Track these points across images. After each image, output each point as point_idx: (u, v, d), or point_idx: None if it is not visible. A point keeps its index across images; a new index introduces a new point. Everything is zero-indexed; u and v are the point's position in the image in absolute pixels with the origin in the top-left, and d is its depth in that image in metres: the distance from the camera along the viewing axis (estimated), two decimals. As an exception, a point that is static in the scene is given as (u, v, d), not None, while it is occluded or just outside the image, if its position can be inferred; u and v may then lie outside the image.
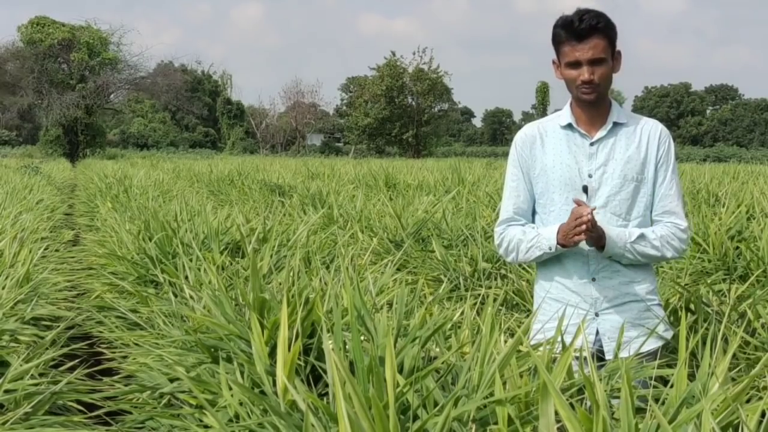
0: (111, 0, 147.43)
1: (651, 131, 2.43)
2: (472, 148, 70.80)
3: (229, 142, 63.88)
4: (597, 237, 2.31)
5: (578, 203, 2.29)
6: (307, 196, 8.74)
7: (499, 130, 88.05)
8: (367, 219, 6.39)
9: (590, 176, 2.39)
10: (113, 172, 14.55)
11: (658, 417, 1.45)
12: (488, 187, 9.60)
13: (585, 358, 2.03)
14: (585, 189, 2.39)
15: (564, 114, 2.46)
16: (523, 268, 4.25)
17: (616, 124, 2.42)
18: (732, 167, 15.63)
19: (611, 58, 2.34)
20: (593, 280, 2.41)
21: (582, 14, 2.30)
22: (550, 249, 2.38)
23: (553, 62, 2.43)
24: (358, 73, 69.29)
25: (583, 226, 2.24)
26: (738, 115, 73.78)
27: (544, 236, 2.40)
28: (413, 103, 54.31)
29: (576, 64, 2.32)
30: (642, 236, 2.36)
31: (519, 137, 2.52)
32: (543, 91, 56.59)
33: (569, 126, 2.43)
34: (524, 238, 2.45)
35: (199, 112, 60.29)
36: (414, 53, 63.90)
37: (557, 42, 2.37)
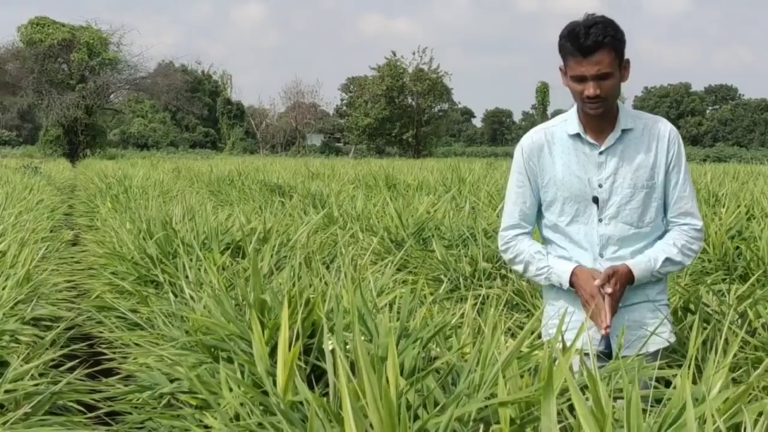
0: (111, 0, 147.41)
1: (660, 134, 2.38)
2: (472, 148, 70.77)
3: (229, 142, 63.85)
4: (622, 288, 2.32)
5: (596, 277, 2.31)
6: (307, 196, 8.74)
7: (499, 130, 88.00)
8: (368, 219, 6.39)
9: (600, 186, 2.36)
10: (113, 173, 14.53)
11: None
12: (489, 187, 9.60)
13: (589, 358, 2.03)
14: (595, 200, 2.36)
15: (571, 121, 2.40)
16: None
17: (624, 131, 2.37)
18: (732, 167, 15.62)
19: (619, 69, 2.29)
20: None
21: (589, 27, 2.22)
22: (561, 286, 2.40)
23: (560, 69, 2.37)
24: (359, 73, 69.20)
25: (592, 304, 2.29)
26: (738, 115, 73.72)
27: (555, 272, 2.40)
28: (413, 103, 54.28)
29: (581, 79, 2.27)
30: (667, 260, 2.36)
31: (525, 144, 2.46)
32: (543, 91, 56.60)
33: (577, 135, 2.39)
34: (533, 263, 2.45)
35: (199, 112, 60.26)
36: (414, 53, 63.89)
37: (563, 53, 2.31)
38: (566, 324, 2.21)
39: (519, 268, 2.50)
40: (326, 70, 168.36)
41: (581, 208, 2.37)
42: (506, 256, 2.53)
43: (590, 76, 2.24)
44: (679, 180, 2.39)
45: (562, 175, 2.39)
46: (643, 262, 2.34)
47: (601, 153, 2.37)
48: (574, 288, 2.36)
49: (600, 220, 2.37)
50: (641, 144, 2.38)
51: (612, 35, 2.24)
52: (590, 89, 2.25)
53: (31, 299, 3.60)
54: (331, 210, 6.83)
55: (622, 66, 2.31)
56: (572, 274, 2.35)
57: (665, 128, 2.41)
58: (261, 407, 2.12)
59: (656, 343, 2.38)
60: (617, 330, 2.38)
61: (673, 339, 2.48)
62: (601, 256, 2.38)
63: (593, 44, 2.22)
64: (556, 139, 2.43)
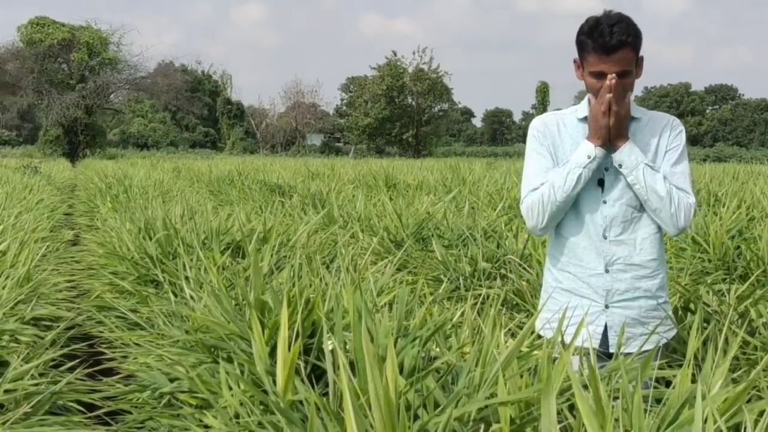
0: (111, 0, 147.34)
1: (664, 124, 2.44)
2: (472, 148, 70.77)
3: (229, 142, 63.84)
4: (621, 121, 2.29)
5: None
6: (307, 196, 8.75)
7: (499, 130, 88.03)
8: (368, 219, 6.39)
9: (606, 170, 2.40)
10: (113, 172, 14.54)
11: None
12: (489, 187, 9.60)
13: (590, 356, 2.03)
14: (600, 182, 2.40)
15: (582, 109, 2.46)
16: (524, 268, 4.24)
17: (632, 119, 2.42)
18: (732, 167, 15.62)
19: (635, 67, 2.33)
20: (606, 271, 2.41)
21: (612, 25, 2.26)
22: (589, 157, 2.33)
23: (575, 62, 2.40)
24: (358, 73, 69.23)
25: (608, 96, 2.25)
26: (738, 115, 73.70)
27: (576, 154, 2.36)
28: (413, 103, 54.29)
29: (601, 75, 2.30)
30: (652, 170, 2.34)
31: (537, 124, 2.51)
32: (543, 91, 56.56)
33: (586, 119, 2.42)
34: (555, 177, 2.38)
35: (199, 112, 60.27)
36: (414, 53, 63.96)
37: (582, 48, 2.34)
38: (566, 321, 2.22)
39: (550, 202, 2.38)
40: (326, 70, 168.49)
41: (587, 188, 2.39)
42: (533, 214, 2.42)
43: (611, 74, 2.28)
44: (673, 158, 2.42)
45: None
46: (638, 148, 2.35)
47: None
48: (599, 145, 2.32)
49: (604, 202, 2.40)
50: (647, 132, 2.43)
51: (634, 34, 2.29)
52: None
53: (31, 299, 3.60)
54: (331, 210, 6.83)
55: (638, 63, 2.36)
56: (588, 138, 2.34)
57: (669, 118, 2.48)
58: (261, 407, 2.12)
59: (654, 341, 2.39)
60: (615, 328, 2.39)
61: (671, 334, 2.48)
62: (605, 237, 2.41)
63: (618, 43, 2.26)
64: (567, 123, 2.48)
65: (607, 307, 2.41)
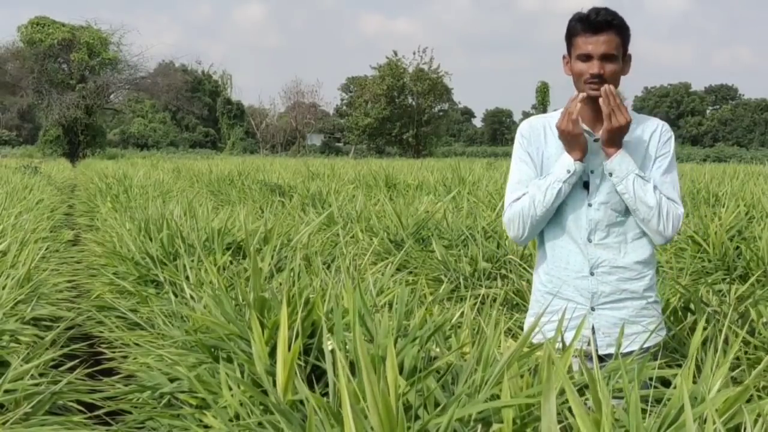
0: (111, 0, 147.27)
1: (653, 130, 2.44)
2: (472, 148, 70.76)
3: (229, 142, 63.85)
4: (621, 129, 2.30)
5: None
6: (307, 196, 8.75)
7: (499, 130, 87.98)
8: (368, 219, 6.39)
9: (592, 172, 2.40)
10: (113, 172, 14.54)
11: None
12: (489, 187, 9.60)
13: (584, 358, 2.03)
14: (586, 185, 2.40)
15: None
16: (524, 268, 4.25)
17: None
18: (732, 167, 15.64)
19: (622, 58, 2.36)
20: (591, 274, 2.41)
21: (599, 10, 2.33)
22: (569, 171, 2.35)
23: (564, 57, 2.43)
24: (359, 73, 69.26)
25: (578, 105, 2.29)
26: (738, 115, 73.72)
27: (555, 168, 2.38)
28: (413, 103, 54.30)
29: (587, 57, 2.33)
30: (642, 179, 2.35)
31: (524, 127, 2.52)
32: (543, 91, 56.54)
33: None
34: (536, 191, 2.39)
35: (199, 112, 60.31)
36: (414, 53, 63.93)
37: (571, 34, 2.38)
38: (556, 324, 2.22)
39: (530, 215, 2.40)
40: (326, 70, 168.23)
41: (572, 191, 2.40)
42: (514, 225, 2.44)
43: (597, 54, 2.31)
44: (663, 167, 2.42)
45: (555, 158, 2.42)
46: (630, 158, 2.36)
47: (596, 140, 2.41)
48: (579, 159, 2.34)
49: (589, 205, 2.40)
50: (634, 136, 2.42)
51: (620, 21, 2.35)
52: (594, 68, 2.31)
53: (32, 299, 3.60)
54: (332, 210, 6.83)
55: (625, 57, 2.37)
56: (566, 152, 2.36)
57: (658, 123, 2.47)
58: (261, 407, 2.12)
59: (642, 341, 2.39)
60: (602, 330, 2.39)
61: (663, 333, 2.48)
62: (590, 240, 2.41)
63: (604, 22, 2.31)
64: (553, 127, 2.47)
65: (593, 309, 2.42)
